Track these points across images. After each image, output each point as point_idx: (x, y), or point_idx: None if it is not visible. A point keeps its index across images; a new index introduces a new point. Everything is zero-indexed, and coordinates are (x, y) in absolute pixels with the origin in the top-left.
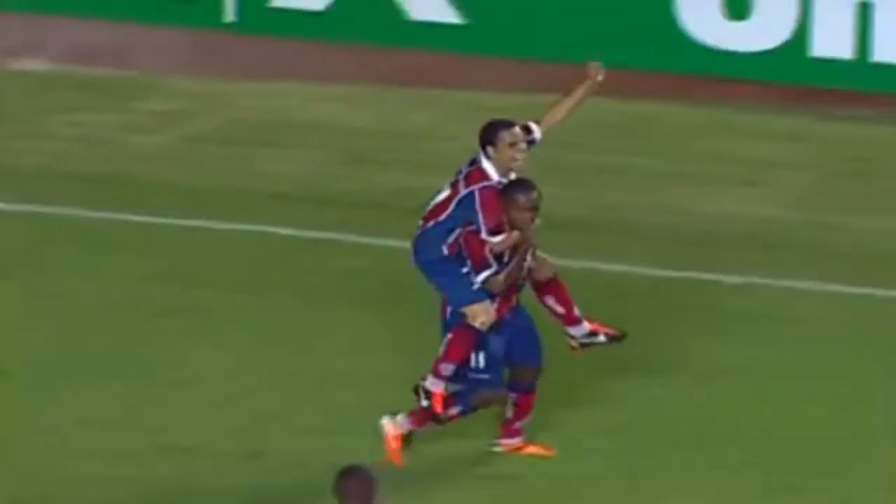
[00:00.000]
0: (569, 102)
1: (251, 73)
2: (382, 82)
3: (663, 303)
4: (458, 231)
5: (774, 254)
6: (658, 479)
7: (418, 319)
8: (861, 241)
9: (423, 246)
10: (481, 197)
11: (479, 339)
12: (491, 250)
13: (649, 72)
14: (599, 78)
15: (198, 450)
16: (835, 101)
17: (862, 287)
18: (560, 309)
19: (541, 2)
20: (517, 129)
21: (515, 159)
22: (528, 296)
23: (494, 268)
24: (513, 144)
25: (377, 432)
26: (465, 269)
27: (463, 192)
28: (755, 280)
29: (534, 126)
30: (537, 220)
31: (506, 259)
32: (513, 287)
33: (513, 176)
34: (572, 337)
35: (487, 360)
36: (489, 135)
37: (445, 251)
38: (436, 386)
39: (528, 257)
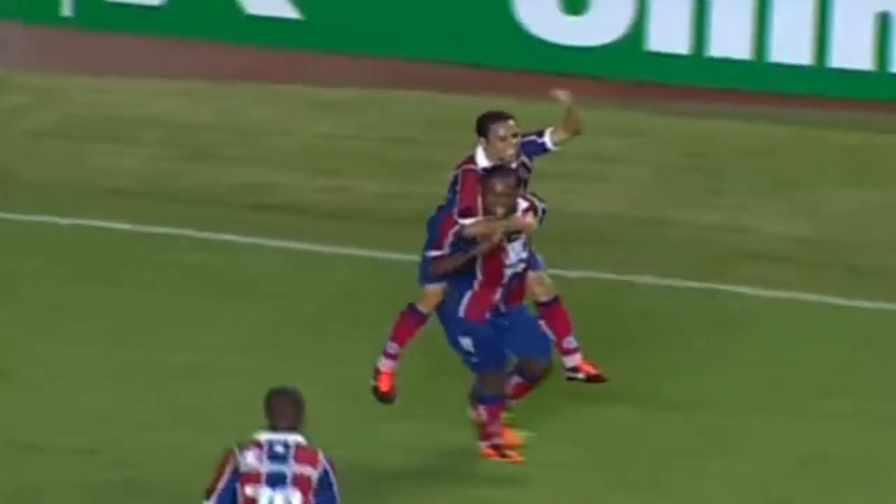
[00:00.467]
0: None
1: (89, 68)
2: (221, 78)
3: None
4: None
5: (613, 248)
6: None
7: (261, 315)
8: (699, 237)
9: (428, 230)
10: (462, 177)
11: (466, 325)
12: (461, 233)
13: (486, 68)
14: (563, 99)
15: (39, 446)
16: (672, 96)
17: (702, 282)
18: (550, 334)
19: None
20: (511, 123)
21: (506, 152)
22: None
23: (446, 251)
24: (503, 138)
25: (216, 428)
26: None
27: (451, 175)
28: (594, 275)
29: (548, 133)
30: (532, 222)
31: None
32: (493, 279)
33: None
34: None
35: (475, 343)
36: (483, 126)
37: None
38: (383, 364)
39: (507, 256)
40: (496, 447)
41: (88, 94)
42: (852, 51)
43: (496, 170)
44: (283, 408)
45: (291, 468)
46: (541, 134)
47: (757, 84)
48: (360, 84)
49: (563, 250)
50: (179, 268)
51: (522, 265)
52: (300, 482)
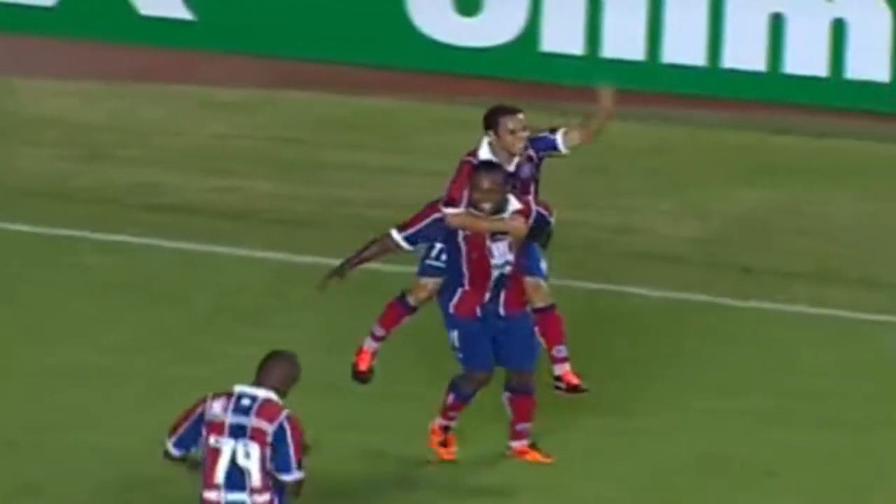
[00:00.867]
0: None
1: None
2: (115, 78)
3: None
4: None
5: None
6: None
7: (156, 315)
8: (593, 237)
9: None
10: (458, 167)
11: (453, 320)
12: (445, 222)
13: (380, 68)
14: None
15: None
16: (567, 96)
17: (596, 283)
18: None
19: None
20: (520, 117)
21: (516, 146)
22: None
23: (403, 234)
24: (513, 132)
25: (113, 429)
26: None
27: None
28: None
29: (560, 133)
30: (519, 226)
31: (460, 243)
32: (479, 278)
33: (513, 163)
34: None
35: (461, 338)
36: (492, 120)
37: None
38: (366, 344)
39: (492, 256)
40: (441, 438)
41: None
42: (745, 52)
43: (485, 165)
44: (271, 367)
45: (251, 422)
46: (553, 131)
47: (650, 85)
48: (253, 84)
49: None
50: (77, 269)
51: (508, 266)
52: (257, 435)
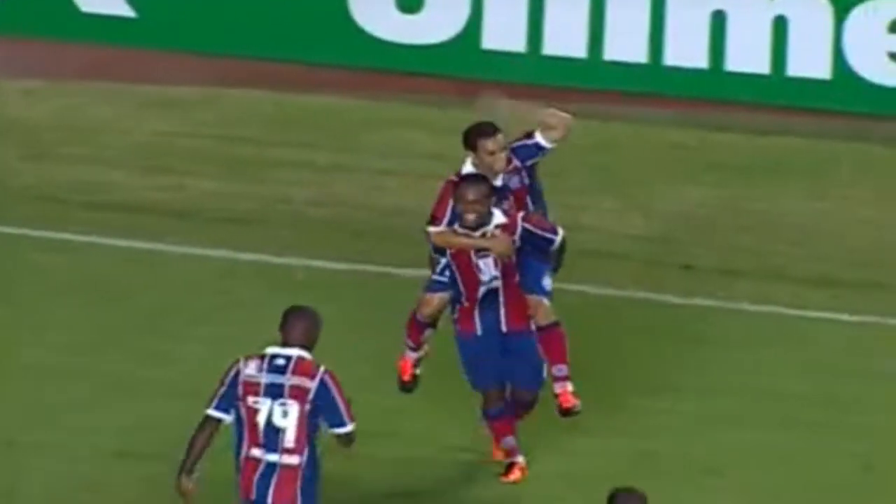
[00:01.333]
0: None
1: None
2: (58, 76)
3: (350, 294)
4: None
5: None
6: None
7: (100, 314)
8: None
9: None
10: (441, 187)
11: (458, 335)
12: (431, 241)
13: (322, 66)
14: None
15: None
16: (509, 94)
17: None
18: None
19: None
20: (499, 137)
21: (497, 165)
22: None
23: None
24: (493, 153)
25: (59, 429)
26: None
27: None
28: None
29: (538, 134)
30: (500, 244)
31: (448, 260)
32: (471, 293)
33: (498, 178)
34: None
35: (464, 360)
36: (471, 142)
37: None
38: (406, 354)
39: (480, 272)
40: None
41: None
42: (687, 49)
43: (469, 178)
44: (295, 324)
45: (289, 380)
46: (530, 135)
47: (593, 82)
48: (197, 82)
49: (404, 249)
50: (20, 268)
51: (497, 282)
52: (297, 394)
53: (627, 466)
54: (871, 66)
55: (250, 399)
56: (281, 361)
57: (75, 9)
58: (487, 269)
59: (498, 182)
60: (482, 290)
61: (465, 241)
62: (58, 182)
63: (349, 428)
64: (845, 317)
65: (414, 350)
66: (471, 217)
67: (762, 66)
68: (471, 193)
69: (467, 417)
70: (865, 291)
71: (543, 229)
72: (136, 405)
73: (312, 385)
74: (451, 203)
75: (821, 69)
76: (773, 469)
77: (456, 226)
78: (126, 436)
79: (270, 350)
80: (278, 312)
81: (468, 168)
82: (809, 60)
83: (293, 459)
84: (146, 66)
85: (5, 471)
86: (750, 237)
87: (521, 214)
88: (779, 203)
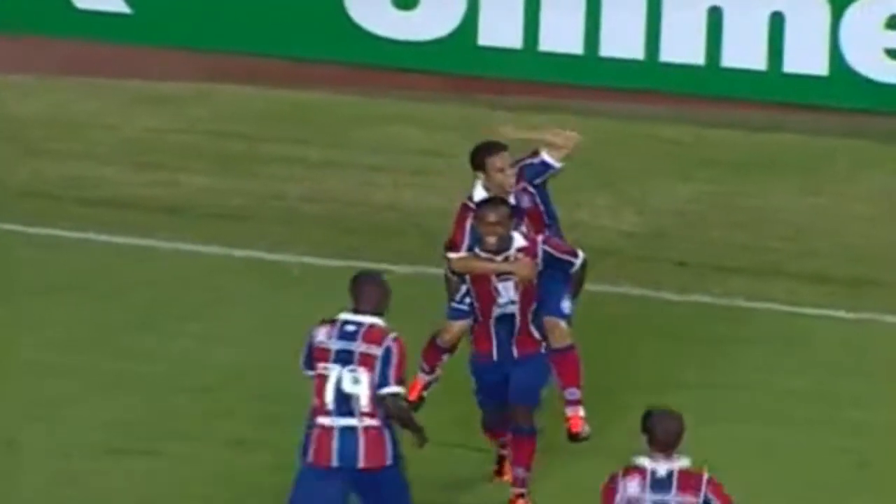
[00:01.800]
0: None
1: None
2: (49, 71)
3: (333, 292)
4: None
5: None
6: None
7: (90, 311)
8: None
9: None
10: (457, 212)
11: (472, 357)
12: (450, 267)
13: (317, 62)
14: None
15: None
16: (506, 90)
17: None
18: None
19: None
20: (506, 154)
21: (507, 182)
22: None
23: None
24: (502, 170)
25: (49, 426)
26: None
27: None
28: (424, 270)
29: (544, 153)
30: (523, 268)
31: (468, 285)
32: (487, 317)
33: (510, 198)
34: None
35: (476, 383)
36: (478, 161)
37: None
38: (419, 375)
39: (498, 295)
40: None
41: None
42: (683, 46)
43: (490, 200)
44: (367, 290)
45: (359, 347)
46: (535, 154)
47: (588, 79)
48: (189, 78)
49: (396, 245)
50: (10, 264)
51: (512, 306)
52: (366, 360)
53: (624, 464)
54: (868, 63)
55: (320, 365)
56: (351, 328)
57: (69, 4)
58: (506, 292)
59: (511, 200)
60: (497, 311)
61: (488, 266)
62: (50, 178)
63: (393, 389)
64: (840, 313)
65: (427, 373)
66: (492, 240)
67: (758, 62)
68: (492, 215)
69: (467, 417)
70: (860, 288)
71: (563, 252)
72: (128, 400)
73: (379, 351)
74: (468, 227)
75: (817, 65)
76: (767, 465)
77: (476, 250)
78: (118, 431)
79: (343, 316)
80: (271, 308)
81: (479, 191)
82: (806, 57)
83: (374, 421)
84: (139, 61)
85: None
86: (745, 234)
87: (540, 238)
88: (774, 199)
